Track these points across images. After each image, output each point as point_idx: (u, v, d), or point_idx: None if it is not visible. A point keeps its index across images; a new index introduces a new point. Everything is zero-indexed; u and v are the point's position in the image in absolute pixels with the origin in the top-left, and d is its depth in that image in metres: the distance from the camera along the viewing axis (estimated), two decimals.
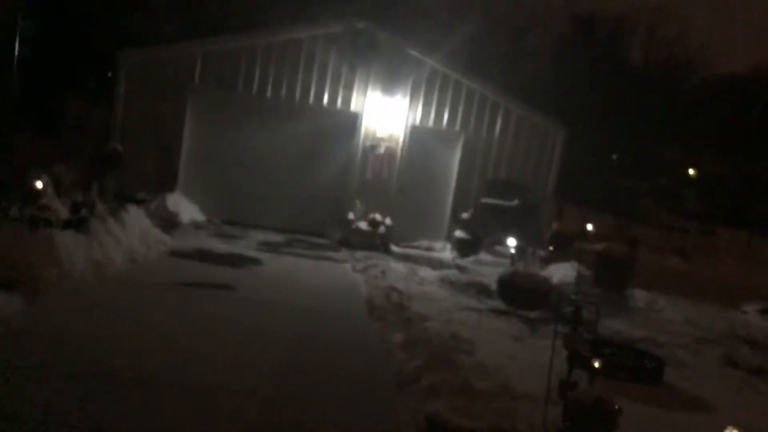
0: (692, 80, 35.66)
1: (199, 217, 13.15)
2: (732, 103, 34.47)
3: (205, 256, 10.17)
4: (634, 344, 8.25)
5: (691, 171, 35.01)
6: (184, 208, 12.86)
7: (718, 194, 33.01)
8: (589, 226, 14.09)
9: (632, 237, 18.32)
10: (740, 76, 35.91)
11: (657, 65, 35.01)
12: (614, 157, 33.13)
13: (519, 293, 9.23)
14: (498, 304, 9.49)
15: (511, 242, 11.99)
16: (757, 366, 8.29)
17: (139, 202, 11.65)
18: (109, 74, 15.50)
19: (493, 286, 9.98)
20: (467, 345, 7.03)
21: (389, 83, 13.93)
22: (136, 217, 9.92)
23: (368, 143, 14.11)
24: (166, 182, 13.35)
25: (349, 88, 14.04)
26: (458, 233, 13.76)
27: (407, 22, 26.16)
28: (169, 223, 11.76)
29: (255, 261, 10.44)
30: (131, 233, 9.30)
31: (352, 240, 13.19)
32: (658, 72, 34.70)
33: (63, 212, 8.69)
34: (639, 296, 11.51)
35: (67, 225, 8.28)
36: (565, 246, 13.53)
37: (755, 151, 33.14)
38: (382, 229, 13.34)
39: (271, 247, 11.87)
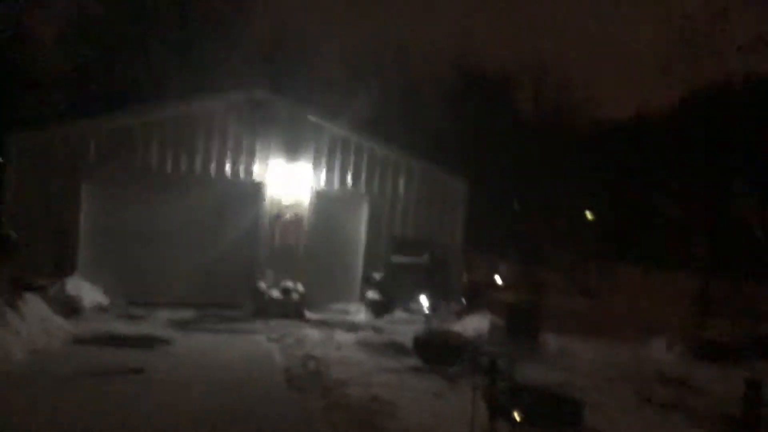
0: (580, 126, 37.48)
1: (103, 299, 12.61)
2: (619, 146, 36.33)
3: (111, 340, 9.79)
4: (551, 389, 8.39)
5: (587, 213, 36.46)
6: (86, 291, 12.33)
7: (613, 233, 34.44)
8: (497, 277, 14.40)
9: (538, 282, 18.87)
10: (624, 120, 38.03)
11: (546, 113, 36.67)
12: (514, 204, 34.17)
13: (435, 350, 9.30)
14: (416, 362, 9.50)
15: (424, 300, 12.10)
16: (671, 401, 8.58)
17: (37, 290, 11.11)
18: None
19: (410, 344, 10.00)
20: (389, 407, 7.00)
21: (291, 150, 14.00)
22: (34, 305, 9.48)
23: (274, 211, 14.05)
24: (65, 266, 12.81)
25: (251, 157, 14.01)
26: (371, 294, 13.78)
27: (305, 89, 26.54)
28: (70, 308, 11.24)
29: (165, 341, 10.10)
30: (31, 323, 8.88)
31: (265, 309, 12.98)
32: (548, 119, 36.32)
33: None
34: (551, 341, 11.76)
35: None
36: (476, 297, 13.80)
37: (644, 191, 34.91)
38: (294, 296, 13.21)
39: (182, 325, 11.54)
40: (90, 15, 28.66)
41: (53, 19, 27.69)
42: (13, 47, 23.83)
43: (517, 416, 5.23)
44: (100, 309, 12.12)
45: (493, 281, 14.43)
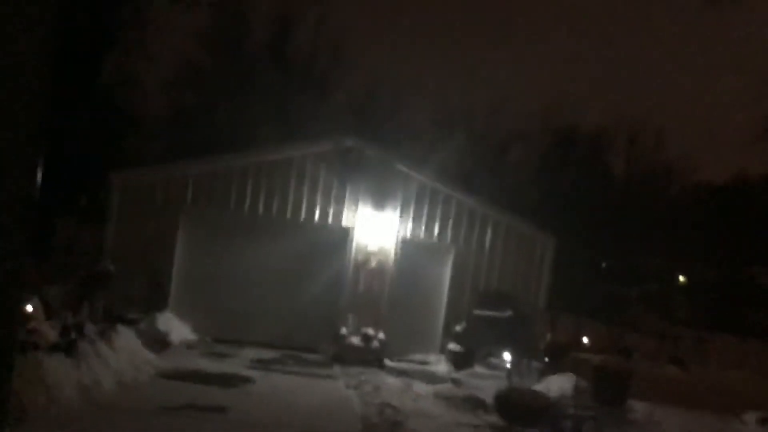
0: (674, 188, 36.47)
1: (191, 336, 12.97)
2: (715, 210, 35.12)
3: (196, 376, 9.97)
4: None
5: (680, 277, 35.20)
6: (175, 327, 12.70)
7: (708, 300, 33.07)
8: (585, 338, 13.98)
9: (626, 346, 18.20)
10: (721, 184, 36.80)
11: (638, 175, 35.84)
12: (603, 264, 33.33)
13: (518, 409, 9.06)
14: (495, 419, 9.28)
15: (506, 356, 11.87)
16: None
17: (129, 322, 11.51)
18: (101, 195, 15.72)
19: (489, 400, 9.79)
20: None
21: (379, 198, 14.14)
22: (125, 337, 9.80)
23: (360, 257, 14.16)
24: (157, 301, 13.25)
25: (339, 204, 14.24)
26: (452, 346, 13.63)
27: (394, 138, 26.94)
28: (159, 343, 11.57)
29: (247, 380, 10.24)
30: (120, 355, 9.16)
31: (345, 355, 13.00)
32: (641, 180, 35.49)
33: (52, 335, 8.59)
34: (637, 408, 11.29)
35: (55, 348, 8.15)
36: (559, 357, 13.40)
37: (742, 258, 33.52)
38: (375, 343, 13.19)
39: (263, 365, 11.67)
40: (195, 64, 30.18)
41: (160, 66, 29.28)
42: (120, 91, 25.20)
43: None
44: (187, 345, 12.42)
45: (579, 341, 14.00)
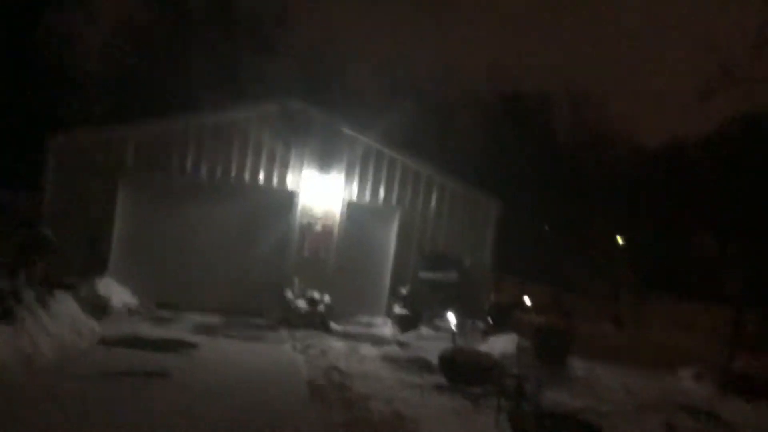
0: (614, 153, 37.13)
1: (132, 301, 12.74)
2: (655, 175, 35.94)
3: (138, 342, 9.86)
4: (576, 415, 8.25)
5: (620, 240, 36.04)
6: (116, 292, 12.47)
7: (646, 263, 34.00)
8: (527, 299, 14.25)
9: (567, 307, 18.64)
10: (660, 149, 37.62)
11: (581, 139, 36.39)
12: (546, 228, 33.90)
13: (461, 369, 9.20)
14: (440, 380, 9.41)
15: (451, 317, 12.01)
16: None
17: (68, 288, 11.24)
18: (38, 158, 15.22)
19: (435, 361, 9.92)
20: (411, 425, 6.94)
21: (325, 161, 14.06)
22: (65, 304, 9.58)
23: (305, 221, 14.10)
24: (97, 266, 12.98)
25: (284, 167, 14.11)
26: (398, 309, 13.74)
27: (340, 101, 26.70)
28: (100, 308, 11.36)
29: (191, 345, 10.15)
30: (60, 321, 8.96)
31: (291, 319, 12.99)
32: (583, 146, 36.04)
33: None
34: (577, 366, 11.59)
35: None
36: (503, 317, 13.65)
37: (680, 221, 34.44)
38: (321, 307, 13.21)
39: (208, 330, 11.59)
40: (135, 23, 29.25)
41: (99, 25, 28.30)
42: (58, 50, 24.32)
43: None
44: (129, 311, 12.23)
45: (522, 303, 14.28)
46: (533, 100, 36.33)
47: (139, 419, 6.28)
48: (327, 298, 13.36)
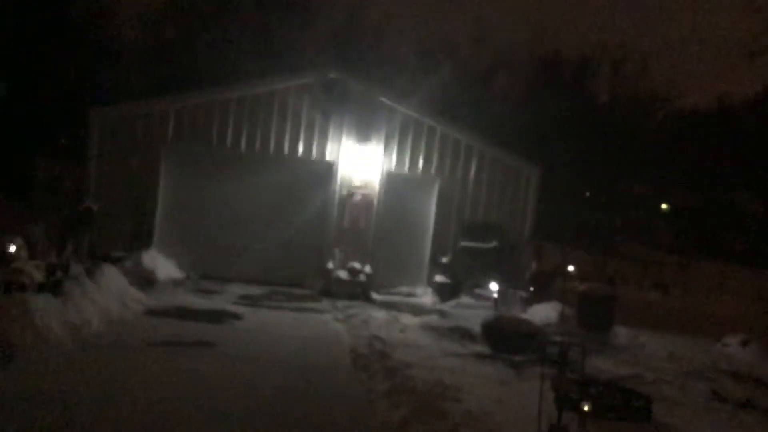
0: (658, 115, 36.35)
1: (177, 273, 12.95)
2: (698, 136, 35.16)
3: (183, 313, 10.02)
4: (620, 383, 8.19)
5: (663, 205, 35.45)
6: (161, 264, 12.68)
7: (690, 227, 33.43)
8: (570, 267, 14.12)
9: (610, 274, 18.43)
10: (705, 110, 36.75)
11: (623, 102, 35.61)
12: (587, 194, 33.48)
13: (503, 337, 9.18)
14: (482, 348, 9.42)
15: (493, 286, 11.97)
16: (743, 399, 8.26)
17: (114, 261, 11.47)
18: (81, 132, 15.46)
19: (476, 330, 9.93)
20: (453, 392, 6.95)
21: (363, 131, 14.02)
22: (111, 276, 9.78)
23: (344, 191, 14.12)
24: (142, 239, 13.21)
25: (323, 138, 14.10)
26: (438, 278, 13.73)
27: (377, 70, 26.53)
28: (145, 280, 11.57)
29: (235, 316, 10.30)
30: (107, 293, 9.15)
31: (332, 289, 13.09)
32: (625, 108, 35.29)
33: (37, 275, 8.53)
34: (621, 334, 11.50)
35: (41, 288, 8.15)
36: (545, 286, 13.56)
37: (724, 184, 33.72)
38: (361, 277, 13.27)
39: (251, 301, 11.74)
40: None
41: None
42: (96, 24, 24.53)
43: (585, 408, 5.11)
44: (174, 282, 12.42)
45: (564, 270, 14.15)
46: (573, 63, 35.64)
47: (185, 387, 6.40)
48: (368, 268, 13.41)
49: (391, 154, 14.30)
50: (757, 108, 35.04)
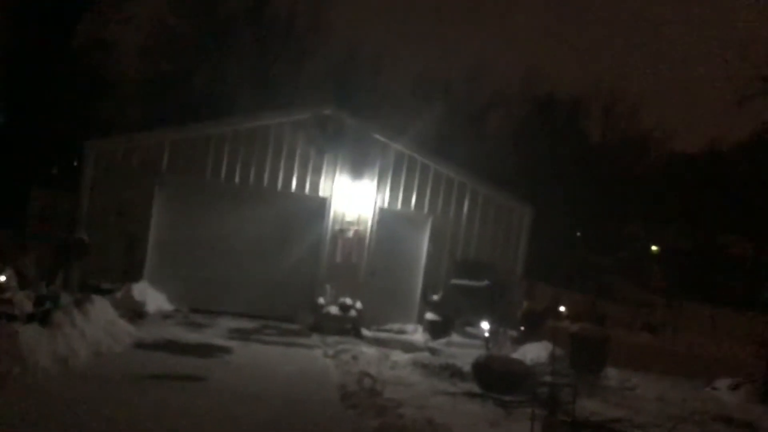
0: (649, 158, 36.72)
1: (167, 305, 12.90)
2: (690, 179, 35.46)
3: (172, 346, 9.95)
4: (610, 425, 8.16)
5: (653, 246, 35.60)
6: (151, 297, 12.62)
7: (681, 268, 33.53)
8: (561, 307, 14.12)
9: (601, 314, 18.43)
10: (696, 153, 37.13)
11: (614, 144, 36.02)
12: (578, 234, 33.62)
13: (494, 377, 9.14)
14: (472, 387, 9.37)
15: (484, 324, 11.94)
16: None
17: (104, 292, 11.43)
18: (75, 163, 15.48)
19: (467, 368, 9.88)
20: (443, 431, 6.90)
21: (357, 168, 14.10)
22: (101, 308, 9.70)
23: (337, 227, 14.14)
24: (133, 271, 13.15)
25: (317, 173, 14.16)
26: (429, 315, 13.69)
27: (372, 107, 26.77)
28: (135, 313, 11.51)
29: (225, 350, 10.23)
30: (96, 325, 9.08)
31: (323, 325, 13.04)
32: (617, 149, 35.68)
33: (26, 305, 8.50)
34: (612, 375, 11.47)
35: (30, 318, 8.10)
36: (535, 325, 13.56)
37: (715, 226, 33.92)
38: (352, 313, 13.24)
39: (241, 335, 11.67)
40: (170, 30, 29.65)
41: (135, 30, 28.77)
42: (95, 55, 24.73)
43: None
44: (164, 315, 12.37)
45: (556, 310, 14.15)
46: (566, 104, 36.08)
47: (172, 422, 6.33)
48: (359, 304, 13.38)
49: (384, 191, 14.37)
50: (747, 152, 35.42)
